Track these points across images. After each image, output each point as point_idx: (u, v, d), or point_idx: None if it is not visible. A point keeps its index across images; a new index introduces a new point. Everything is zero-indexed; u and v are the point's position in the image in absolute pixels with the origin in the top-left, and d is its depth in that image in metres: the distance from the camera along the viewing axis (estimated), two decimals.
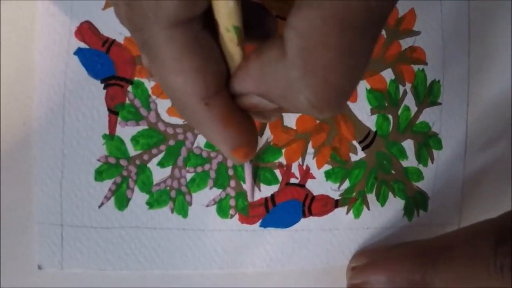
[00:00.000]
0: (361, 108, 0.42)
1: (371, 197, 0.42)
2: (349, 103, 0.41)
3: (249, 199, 0.40)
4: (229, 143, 0.25)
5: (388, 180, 0.43)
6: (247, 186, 0.40)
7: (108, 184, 0.39)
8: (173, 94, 0.24)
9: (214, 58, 0.24)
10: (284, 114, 0.40)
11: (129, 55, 0.39)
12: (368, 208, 0.42)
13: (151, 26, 0.22)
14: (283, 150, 0.41)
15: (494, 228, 0.34)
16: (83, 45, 0.38)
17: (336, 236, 0.42)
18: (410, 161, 0.43)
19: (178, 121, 0.39)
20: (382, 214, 0.43)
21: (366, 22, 0.20)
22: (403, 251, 0.37)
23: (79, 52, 0.38)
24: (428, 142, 0.43)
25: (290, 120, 0.41)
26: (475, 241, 0.34)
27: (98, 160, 0.39)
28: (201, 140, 0.40)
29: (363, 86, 0.42)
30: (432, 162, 0.43)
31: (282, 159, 0.41)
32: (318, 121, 0.41)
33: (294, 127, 0.41)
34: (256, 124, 0.27)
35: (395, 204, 0.43)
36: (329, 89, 0.21)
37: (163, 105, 0.39)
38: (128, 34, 0.39)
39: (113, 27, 0.38)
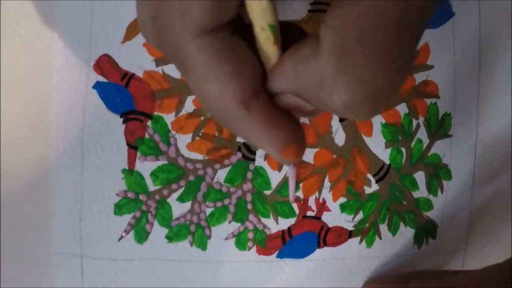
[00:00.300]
0: (376, 142, 0.33)
1: (383, 227, 0.34)
2: (365, 137, 0.33)
3: (291, 200, 0.32)
4: (276, 143, 0.19)
5: (399, 211, 0.35)
6: (289, 188, 0.31)
7: (127, 218, 0.31)
8: (211, 104, 0.19)
9: (248, 61, 0.19)
10: None
11: (149, 89, 0.30)
12: (380, 238, 0.34)
13: (179, 37, 0.17)
14: (300, 185, 0.33)
15: (502, 273, 0.27)
16: (101, 78, 0.30)
17: (349, 264, 0.34)
18: (421, 192, 0.35)
19: (198, 156, 0.31)
20: (393, 243, 0.35)
21: (406, 20, 0.16)
22: None
23: (98, 86, 0.30)
24: (438, 173, 0.35)
25: (308, 155, 0.32)
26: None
27: (118, 194, 0.30)
28: (221, 176, 0.31)
29: (378, 121, 0.33)
30: (442, 192, 0.35)
31: (300, 193, 0.33)
32: (334, 156, 0.33)
33: (312, 162, 0.33)
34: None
35: (406, 233, 0.35)
36: (363, 90, 0.16)
37: (183, 140, 0.31)
38: (147, 67, 0.30)
39: (132, 61, 0.30)
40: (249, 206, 0.32)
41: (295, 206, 0.33)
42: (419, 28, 0.16)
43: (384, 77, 0.16)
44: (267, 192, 0.32)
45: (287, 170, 0.31)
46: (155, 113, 0.30)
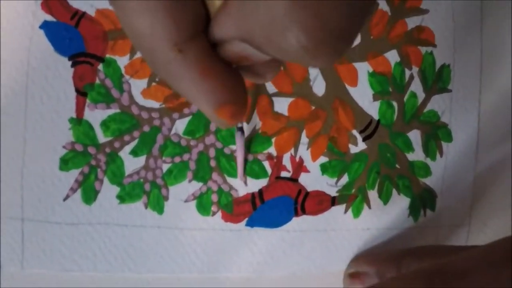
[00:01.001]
0: (362, 94, 0.29)
1: (372, 194, 0.30)
2: (349, 88, 0.29)
3: (239, 176, 0.28)
4: (211, 99, 0.16)
5: (392, 176, 0.30)
6: (237, 160, 0.28)
7: (74, 174, 0.27)
8: (140, 41, 0.16)
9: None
10: (275, 99, 0.28)
11: (101, 29, 0.27)
12: (369, 207, 0.30)
13: None
14: (273, 140, 0.29)
15: None
16: (50, 18, 0.27)
17: (332, 238, 0.30)
18: (417, 155, 0.30)
19: (154, 104, 0.27)
20: (384, 214, 0.30)
21: None
22: (411, 275, 0.25)
23: (45, 25, 0.27)
24: (436, 133, 0.30)
25: (282, 105, 0.28)
26: (494, 268, 0.22)
27: (64, 147, 0.27)
28: (179, 126, 0.27)
29: (364, 69, 0.29)
30: (441, 156, 0.31)
31: (272, 150, 0.29)
32: (313, 107, 0.29)
33: (286, 114, 0.28)
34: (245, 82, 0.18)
35: (400, 202, 0.30)
36: (323, 26, 0.14)
37: (137, 86, 0.27)
38: (100, 6, 0.27)
39: None
40: (213, 163, 0.28)
41: (267, 164, 0.28)
42: None
43: (346, 12, 0.14)
44: (233, 147, 0.28)
45: (235, 137, 0.28)
46: (107, 55, 0.28)
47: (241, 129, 0.27)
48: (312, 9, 0.14)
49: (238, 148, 0.28)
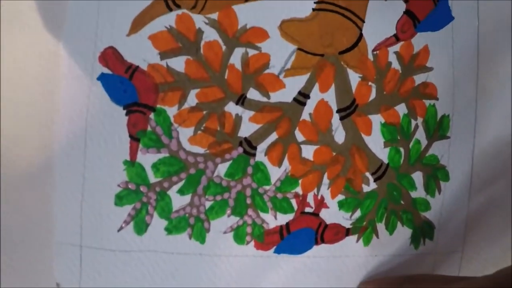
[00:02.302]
0: (375, 141, 0.34)
1: (380, 226, 0.34)
2: (364, 136, 0.33)
3: None
4: None
5: (397, 210, 0.35)
6: None
7: (127, 209, 0.31)
8: None
9: None
10: (303, 147, 0.32)
11: (152, 82, 0.30)
12: (378, 237, 0.34)
13: None
14: (300, 181, 0.32)
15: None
16: (106, 70, 0.30)
17: (346, 263, 0.34)
18: (419, 192, 0.35)
19: (200, 150, 0.31)
20: (390, 242, 0.35)
21: None
22: None
23: (102, 77, 0.30)
24: (436, 174, 0.35)
25: (308, 152, 0.33)
26: None
27: (119, 185, 0.30)
28: (221, 170, 0.31)
29: (377, 120, 0.33)
30: (439, 193, 0.35)
31: (299, 189, 0.32)
32: (334, 153, 0.33)
33: (312, 159, 0.33)
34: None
35: (403, 233, 0.35)
36: None
37: (185, 133, 0.31)
38: (152, 61, 0.30)
39: (137, 54, 0.30)
40: (248, 201, 0.32)
41: (294, 202, 0.33)
42: None
43: None
44: (267, 187, 0.32)
45: None
46: (158, 106, 0.30)
47: None
48: None
49: None
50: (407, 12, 0.34)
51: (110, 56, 0.30)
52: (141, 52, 0.30)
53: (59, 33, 0.30)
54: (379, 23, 0.33)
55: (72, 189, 0.30)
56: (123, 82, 0.30)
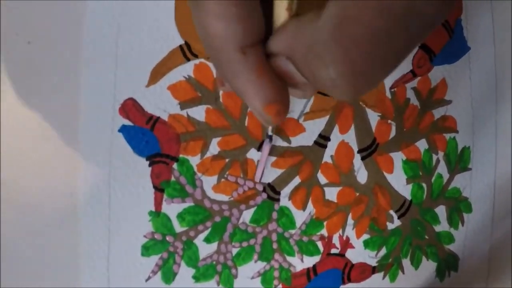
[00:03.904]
0: (397, 178, 0.33)
1: (405, 262, 0.34)
2: (386, 174, 0.33)
3: (256, 178, 0.31)
4: (262, 95, 0.19)
5: (421, 245, 0.35)
6: (260, 163, 0.31)
7: (155, 259, 0.31)
8: (212, 41, 0.19)
9: (257, 14, 0.19)
10: (326, 189, 0.33)
11: (174, 132, 0.30)
12: (403, 272, 0.34)
13: None
14: (324, 223, 0.32)
15: None
16: (127, 122, 0.30)
17: None
18: (442, 226, 0.35)
19: (224, 198, 0.31)
20: (416, 277, 0.34)
21: (406, 19, 0.16)
22: None
23: (123, 129, 0.30)
24: (459, 206, 0.35)
25: (332, 194, 0.33)
26: None
27: (145, 236, 0.30)
28: (246, 216, 0.31)
29: (399, 157, 0.33)
30: (463, 225, 0.35)
31: (324, 231, 0.32)
32: (357, 194, 0.33)
33: (335, 200, 0.33)
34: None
35: (428, 266, 0.35)
36: (350, 64, 0.16)
37: (208, 182, 0.31)
38: (172, 111, 0.30)
39: (157, 104, 0.30)
40: (275, 246, 0.32)
41: (319, 244, 0.33)
42: (419, 30, 0.16)
43: (372, 60, 0.16)
44: (292, 231, 0.32)
45: (264, 142, 0.30)
46: (181, 155, 0.30)
47: (270, 137, 0.30)
48: (345, 46, 0.16)
49: (263, 152, 0.30)
50: (422, 47, 0.34)
51: (130, 107, 0.30)
52: (161, 103, 0.30)
53: (78, 85, 0.30)
54: None
55: (98, 241, 0.30)
56: (144, 134, 0.30)
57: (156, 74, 0.30)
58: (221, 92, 0.31)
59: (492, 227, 0.36)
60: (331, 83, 0.17)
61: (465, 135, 0.35)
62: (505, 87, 0.35)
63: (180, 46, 0.30)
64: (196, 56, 0.30)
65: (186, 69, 0.30)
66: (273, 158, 0.32)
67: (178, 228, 0.31)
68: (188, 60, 0.30)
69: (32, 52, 0.29)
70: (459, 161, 0.35)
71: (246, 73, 0.19)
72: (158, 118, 0.30)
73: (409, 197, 0.34)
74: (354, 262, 0.33)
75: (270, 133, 0.29)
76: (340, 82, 0.17)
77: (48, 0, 0.29)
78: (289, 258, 0.32)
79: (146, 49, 0.30)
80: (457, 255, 0.36)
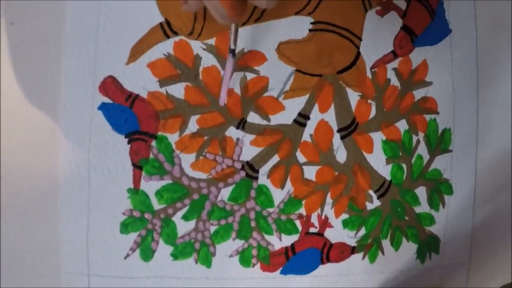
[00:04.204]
0: (377, 158, 0.33)
1: (385, 243, 0.34)
2: (366, 154, 0.33)
3: (221, 101, 0.31)
4: None
5: (401, 226, 0.35)
6: (224, 81, 0.30)
7: (133, 236, 0.31)
8: None
9: None
10: (305, 168, 0.33)
11: (153, 110, 0.31)
12: (383, 253, 0.34)
13: None
14: (303, 202, 0.32)
15: None
16: (107, 100, 0.30)
17: (352, 280, 0.34)
18: (423, 207, 0.35)
19: (202, 175, 0.31)
20: (396, 258, 0.34)
21: None
22: None
23: (103, 107, 0.30)
24: (439, 188, 0.35)
25: (310, 173, 0.33)
26: None
27: (123, 213, 0.30)
28: (224, 194, 0.31)
29: (378, 137, 0.33)
30: (444, 207, 0.35)
31: (302, 210, 0.32)
32: (336, 173, 0.33)
33: (314, 179, 0.33)
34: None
35: (409, 248, 0.35)
36: None
37: (187, 159, 0.31)
38: (151, 88, 0.30)
39: (136, 82, 0.30)
40: (253, 224, 0.32)
41: (298, 223, 0.33)
42: None
43: None
44: (270, 210, 0.32)
45: (227, 59, 0.29)
46: (159, 133, 0.31)
47: (233, 52, 0.29)
48: None
49: (226, 69, 0.30)
50: (404, 28, 0.34)
51: (110, 85, 0.30)
52: (140, 80, 0.30)
53: (59, 63, 0.30)
54: (377, 40, 0.33)
55: (77, 219, 0.30)
56: (124, 111, 0.30)
57: (136, 52, 0.30)
58: (200, 69, 0.31)
59: (473, 209, 0.36)
60: None
61: (446, 117, 0.35)
62: (486, 70, 0.35)
63: (160, 24, 0.30)
64: (176, 34, 0.30)
65: (166, 47, 0.31)
66: (252, 136, 0.32)
67: (156, 205, 0.31)
68: (168, 37, 0.30)
69: (15, 32, 0.29)
70: (440, 143, 0.35)
71: None
72: (137, 95, 0.30)
73: (388, 178, 0.34)
74: (333, 241, 0.33)
75: (232, 46, 0.28)
76: None
77: None
78: (267, 237, 0.32)
79: (127, 26, 0.30)
80: (438, 237, 0.35)
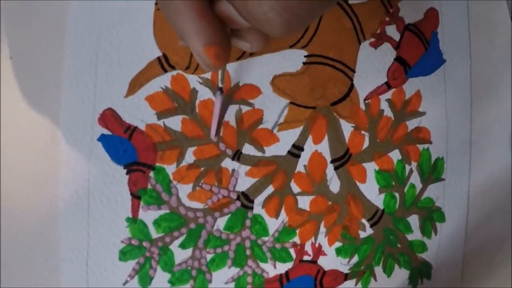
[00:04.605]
0: (370, 188, 0.34)
1: (378, 269, 0.35)
2: (359, 184, 0.34)
3: (211, 135, 0.32)
4: (203, 36, 0.20)
5: (394, 253, 0.35)
6: (213, 117, 0.31)
7: (132, 264, 0.32)
8: None
9: None
10: (299, 198, 0.33)
11: (151, 141, 0.31)
12: (376, 280, 0.35)
13: None
14: (297, 231, 0.33)
15: None
16: (106, 131, 0.31)
17: None
18: (415, 235, 0.35)
19: (199, 205, 0.32)
20: (388, 284, 0.35)
21: None
22: None
23: (102, 138, 0.31)
24: (432, 216, 0.36)
25: (304, 202, 0.33)
26: None
27: (122, 241, 0.31)
28: (220, 223, 0.32)
29: (372, 167, 0.34)
30: (436, 234, 0.36)
31: (297, 239, 0.33)
32: (330, 203, 0.34)
33: (308, 209, 0.34)
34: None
35: (401, 274, 0.35)
36: (283, 2, 0.17)
37: (184, 190, 0.32)
38: (149, 121, 0.31)
39: (134, 115, 0.31)
40: (248, 252, 0.33)
41: (292, 251, 0.34)
42: None
43: (307, 5, 0.18)
44: (265, 238, 0.33)
45: (215, 98, 0.30)
46: (157, 164, 0.31)
47: (221, 89, 0.30)
48: None
49: (215, 106, 0.31)
50: (397, 59, 0.34)
51: (109, 117, 0.31)
52: (139, 113, 0.31)
53: (59, 96, 0.31)
54: (370, 71, 0.34)
55: (77, 246, 0.31)
56: (122, 143, 0.31)
57: (135, 85, 0.31)
58: (197, 102, 0.32)
59: (465, 236, 0.36)
60: (264, 17, 0.18)
61: (439, 146, 0.35)
62: (480, 99, 0.36)
63: (158, 58, 0.31)
64: (173, 68, 0.31)
65: (164, 80, 0.31)
66: (247, 167, 0.32)
67: (154, 234, 0.32)
68: (166, 71, 0.31)
69: (14, 66, 0.30)
70: (432, 172, 0.35)
71: (188, 13, 0.20)
72: (136, 127, 0.31)
73: (381, 207, 0.35)
74: (326, 269, 0.34)
75: (220, 85, 0.29)
76: (271, 16, 0.18)
77: (29, 12, 0.30)
78: (262, 264, 0.33)
79: (125, 60, 0.31)
80: (430, 263, 0.36)
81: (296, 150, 0.33)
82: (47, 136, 0.31)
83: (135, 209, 0.32)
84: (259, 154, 0.32)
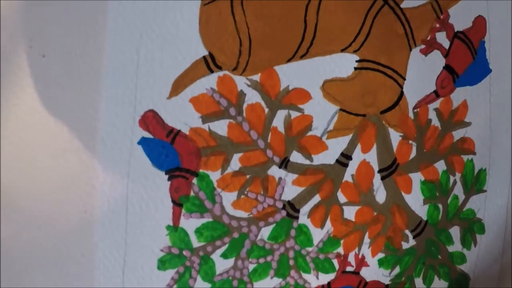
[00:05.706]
0: (415, 199, 0.33)
1: (418, 281, 0.34)
2: (404, 195, 0.33)
3: None
4: None
5: (434, 265, 0.35)
6: None
7: (171, 273, 0.30)
8: None
9: None
10: (345, 208, 0.32)
11: (195, 146, 0.30)
12: None
13: None
14: (341, 241, 0.32)
15: None
16: (147, 134, 0.29)
17: None
18: (455, 246, 0.35)
19: (243, 214, 0.31)
20: None
21: None
22: None
23: (143, 141, 0.29)
24: (472, 227, 0.35)
25: (350, 212, 0.33)
26: None
27: (161, 250, 0.30)
28: (264, 233, 0.31)
29: (417, 178, 0.33)
30: (475, 246, 0.36)
31: (340, 249, 0.32)
32: (375, 213, 0.33)
33: (353, 219, 0.33)
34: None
35: (440, 285, 0.35)
36: None
37: (228, 198, 0.30)
38: (193, 124, 0.30)
39: (178, 117, 0.29)
40: (291, 262, 0.32)
41: (335, 262, 0.33)
42: None
43: None
44: (309, 249, 0.32)
45: None
46: (201, 170, 0.30)
47: None
48: None
49: None
50: (446, 67, 0.33)
51: (150, 119, 0.29)
52: (182, 116, 0.29)
53: (99, 96, 0.29)
54: (419, 79, 0.33)
55: (114, 254, 0.30)
56: (164, 147, 0.30)
57: (178, 86, 0.29)
58: (244, 106, 0.30)
59: (503, 248, 0.36)
60: None
61: (482, 157, 0.35)
62: None
63: (204, 57, 0.29)
64: (220, 68, 0.29)
65: (209, 81, 0.30)
66: (294, 176, 0.31)
67: (195, 243, 0.30)
68: (212, 72, 0.29)
69: (49, 64, 0.28)
70: (475, 183, 0.35)
71: None
72: (179, 131, 0.29)
73: (425, 218, 0.34)
74: (368, 280, 0.33)
75: None
76: None
77: (66, 8, 0.28)
78: (304, 275, 0.32)
79: (168, 59, 0.29)
80: (468, 275, 0.36)
81: (345, 159, 0.32)
82: (85, 138, 0.29)
83: (176, 217, 0.30)
84: (307, 162, 0.31)
